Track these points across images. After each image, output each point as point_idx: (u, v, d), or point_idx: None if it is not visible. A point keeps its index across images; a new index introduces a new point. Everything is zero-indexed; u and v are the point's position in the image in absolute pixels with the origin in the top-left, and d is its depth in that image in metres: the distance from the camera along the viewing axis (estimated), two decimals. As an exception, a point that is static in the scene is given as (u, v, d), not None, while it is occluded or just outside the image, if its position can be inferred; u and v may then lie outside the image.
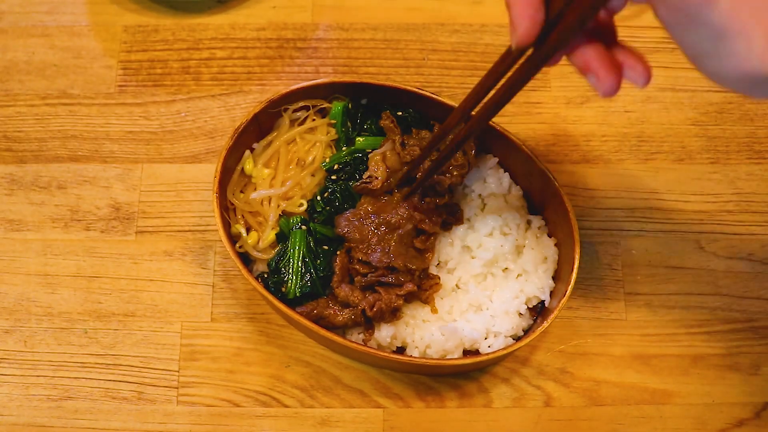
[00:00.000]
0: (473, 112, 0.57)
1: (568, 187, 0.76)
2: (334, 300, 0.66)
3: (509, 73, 0.50)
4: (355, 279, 0.66)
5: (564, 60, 0.48)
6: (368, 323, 0.66)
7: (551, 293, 0.67)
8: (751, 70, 0.40)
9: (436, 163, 0.63)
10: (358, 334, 0.66)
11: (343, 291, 0.66)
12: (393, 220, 0.67)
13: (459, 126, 0.58)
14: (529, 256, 0.68)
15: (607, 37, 0.48)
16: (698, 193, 0.76)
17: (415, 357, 0.65)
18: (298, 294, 0.66)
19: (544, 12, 0.44)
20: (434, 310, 0.67)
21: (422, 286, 0.67)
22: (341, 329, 0.66)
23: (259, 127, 0.71)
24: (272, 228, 0.69)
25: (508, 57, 0.49)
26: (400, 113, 0.71)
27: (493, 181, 0.71)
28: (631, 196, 0.75)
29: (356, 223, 0.67)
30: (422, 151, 0.64)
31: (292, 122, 0.72)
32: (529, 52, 0.47)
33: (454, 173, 0.69)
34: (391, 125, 0.70)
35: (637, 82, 0.46)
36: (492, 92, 0.53)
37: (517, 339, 0.66)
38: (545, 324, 0.63)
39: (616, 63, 0.46)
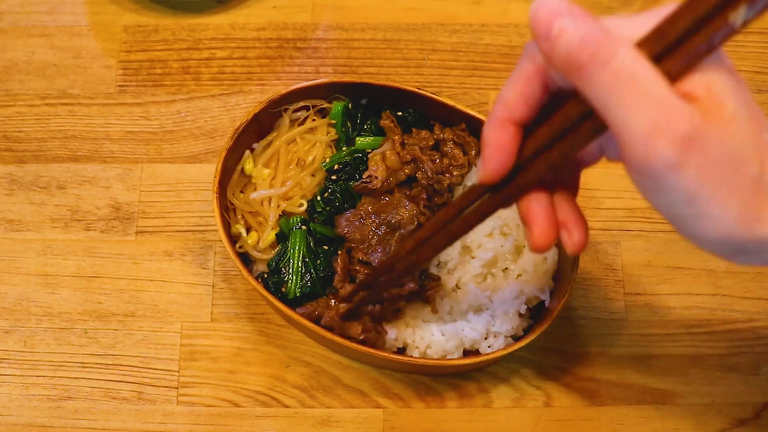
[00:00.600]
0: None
1: (568, 187, 0.76)
2: (337, 298, 0.66)
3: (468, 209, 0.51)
4: (357, 280, 0.66)
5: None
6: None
7: (551, 293, 0.67)
8: (730, 233, 0.39)
9: (387, 281, 0.61)
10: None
11: (346, 290, 0.66)
12: (394, 221, 0.67)
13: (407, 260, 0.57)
14: (529, 256, 0.68)
15: (567, 189, 0.48)
16: (698, 193, 0.76)
17: (415, 357, 0.66)
18: (298, 294, 0.66)
19: (515, 158, 0.44)
20: (434, 310, 0.67)
21: (425, 287, 0.67)
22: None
23: (259, 127, 0.71)
24: (272, 228, 0.69)
25: (472, 193, 0.49)
26: (400, 113, 0.71)
27: (493, 181, 0.71)
28: (631, 196, 0.75)
29: (357, 223, 0.67)
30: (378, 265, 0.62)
31: (292, 122, 0.72)
32: (486, 196, 0.48)
33: (455, 173, 0.69)
34: (391, 125, 0.70)
35: (566, 249, 0.46)
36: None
37: (517, 339, 0.66)
38: (545, 324, 0.63)
39: (556, 222, 0.46)
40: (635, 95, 0.37)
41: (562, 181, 0.48)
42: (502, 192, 0.47)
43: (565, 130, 0.42)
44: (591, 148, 0.47)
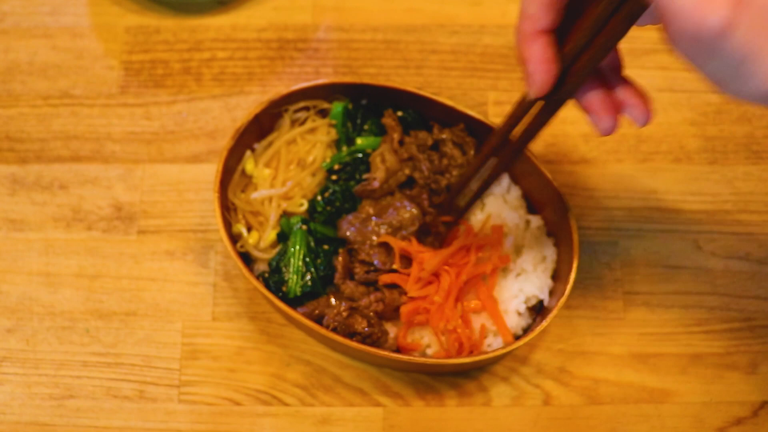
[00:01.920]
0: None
1: (566, 187, 0.76)
2: (338, 297, 0.66)
3: (526, 119, 0.52)
4: (355, 276, 0.67)
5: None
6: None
7: (550, 292, 0.68)
8: None
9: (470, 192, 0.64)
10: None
11: (349, 287, 0.66)
12: (395, 221, 0.67)
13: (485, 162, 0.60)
14: (528, 255, 0.68)
15: (612, 72, 0.49)
16: (696, 193, 0.76)
17: (414, 356, 0.66)
18: (298, 293, 0.66)
19: (557, 64, 0.45)
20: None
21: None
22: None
23: (259, 128, 0.72)
24: (273, 228, 0.69)
25: (524, 102, 0.51)
26: (400, 113, 0.72)
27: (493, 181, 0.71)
28: (629, 196, 0.76)
29: (358, 225, 0.68)
30: (454, 183, 0.65)
31: (293, 123, 0.72)
32: (541, 104, 0.50)
33: (454, 173, 0.69)
34: (393, 123, 0.71)
35: (637, 122, 0.48)
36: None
37: (517, 338, 0.67)
38: (544, 323, 0.63)
39: (616, 103, 0.48)
40: None
41: (607, 61, 0.48)
42: (555, 98, 0.48)
43: (601, 22, 0.43)
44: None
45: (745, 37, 0.38)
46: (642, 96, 0.48)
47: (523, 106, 0.51)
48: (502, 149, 0.57)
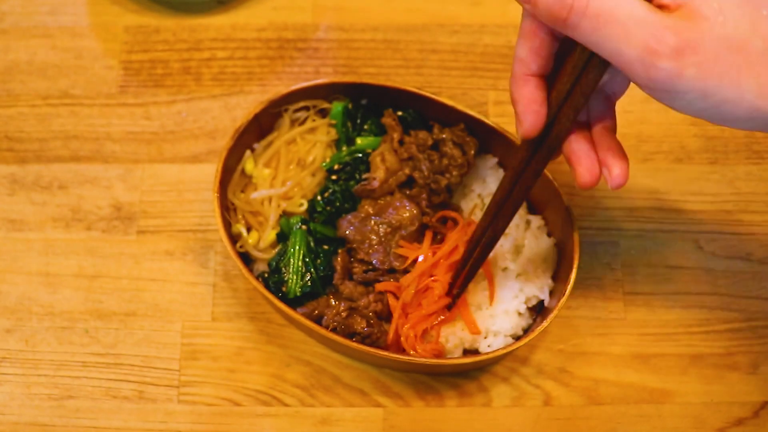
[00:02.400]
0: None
1: (567, 187, 0.76)
2: (337, 298, 0.66)
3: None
4: (354, 276, 0.67)
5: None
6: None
7: (551, 293, 0.68)
8: (756, 107, 0.42)
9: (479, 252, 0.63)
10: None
11: (348, 287, 0.66)
12: (395, 221, 0.67)
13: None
14: (528, 255, 0.68)
15: (604, 130, 0.51)
16: (697, 193, 0.76)
17: (415, 356, 0.66)
18: (298, 293, 0.66)
19: (546, 108, 0.48)
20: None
21: None
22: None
23: (259, 128, 0.72)
24: (273, 228, 0.69)
25: (520, 156, 0.53)
26: (400, 113, 0.72)
27: (492, 181, 0.71)
28: (630, 196, 0.76)
29: (357, 224, 0.68)
30: (468, 246, 0.64)
31: (293, 122, 0.72)
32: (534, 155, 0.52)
33: (453, 173, 0.69)
34: (393, 123, 0.70)
35: (610, 183, 0.50)
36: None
37: (517, 338, 0.66)
38: (545, 323, 0.63)
39: (598, 158, 0.50)
40: (619, 28, 0.41)
41: (599, 118, 0.51)
42: (545, 145, 0.50)
43: (578, 73, 0.46)
44: (615, 80, 0.51)
45: (698, 77, 0.41)
46: (622, 160, 0.50)
47: (522, 155, 0.53)
48: (503, 206, 0.58)
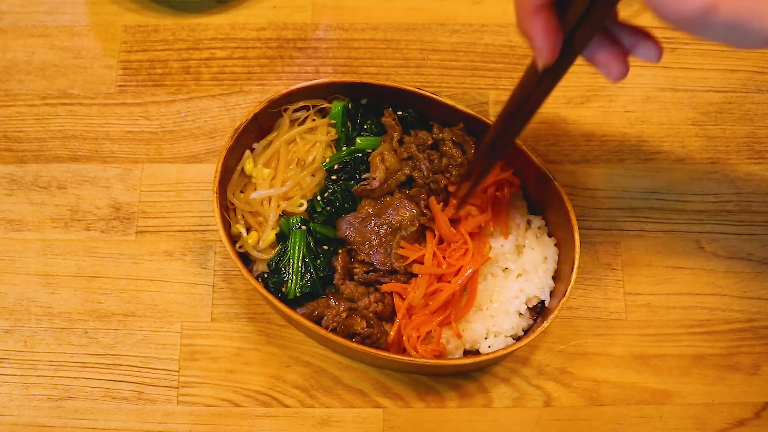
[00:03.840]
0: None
1: (568, 187, 0.76)
2: (337, 298, 0.66)
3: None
4: (355, 276, 0.66)
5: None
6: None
7: (551, 293, 0.67)
8: None
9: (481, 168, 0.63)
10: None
11: (348, 287, 0.66)
12: (395, 221, 0.67)
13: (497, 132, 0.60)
14: (529, 256, 0.68)
15: (612, 22, 0.50)
16: (698, 193, 0.76)
17: (415, 357, 0.66)
18: (298, 294, 0.66)
19: (561, 33, 0.47)
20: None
21: None
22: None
23: (259, 127, 0.71)
24: (272, 228, 0.69)
25: (531, 75, 0.52)
26: (400, 113, 0.71)
27: (493, 181, 0.71)
28: (631, 196, 0.75)
29: (357, 225, 0.67)
30: (470, 161, 0.64)
31: (292, 122, 0.72)
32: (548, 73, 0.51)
33: (453, 173, 0.69)
34: (393, 122, 0.70)
35: (651, 59, 0.49)
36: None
37: (517, 339, 0.66)
38: (545, 324, 0.63)
39: (623, 50, 0.49)
40: None
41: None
42: (562, 61, 0.49)
43: None
44: None
45: (729, 11, 0.41)
46: (647, 34, 0.49)
47: (531, 72, 0.52)
48: (513, 119, 0.57)
